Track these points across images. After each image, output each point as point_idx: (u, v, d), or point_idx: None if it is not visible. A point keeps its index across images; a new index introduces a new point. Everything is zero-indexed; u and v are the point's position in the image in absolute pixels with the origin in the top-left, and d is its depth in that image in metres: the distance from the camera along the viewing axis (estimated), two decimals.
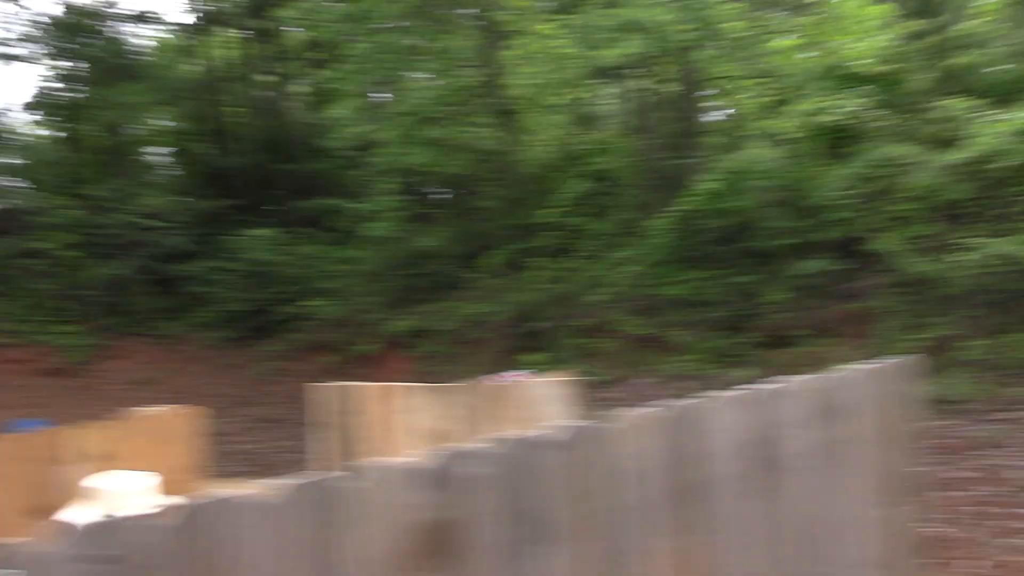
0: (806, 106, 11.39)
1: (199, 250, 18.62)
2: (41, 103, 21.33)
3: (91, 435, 4.16)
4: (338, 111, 19.16)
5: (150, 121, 23.40)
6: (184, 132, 23.50)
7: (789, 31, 13.22)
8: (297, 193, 19.94)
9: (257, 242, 16.76)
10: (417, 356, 12.57)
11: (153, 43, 22.34)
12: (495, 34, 13.44)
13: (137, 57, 21.07)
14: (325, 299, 15.37)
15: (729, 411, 1.72)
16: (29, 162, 21.09)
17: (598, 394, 8.32)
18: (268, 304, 16.62)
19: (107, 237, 17.90)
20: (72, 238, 17.65)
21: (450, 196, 14.51)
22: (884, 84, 11.36)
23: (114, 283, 17.51)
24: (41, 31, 19.70)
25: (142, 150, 23.61)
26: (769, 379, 1.99)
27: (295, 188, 19.95)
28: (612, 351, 9.19)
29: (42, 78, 23.78)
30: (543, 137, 14.65)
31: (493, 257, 11.67)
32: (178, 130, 23.49)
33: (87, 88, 20.01)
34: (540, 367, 9.22)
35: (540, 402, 5.17)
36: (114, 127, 21.44)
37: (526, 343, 9.96)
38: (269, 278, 16.85)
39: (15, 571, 0.85)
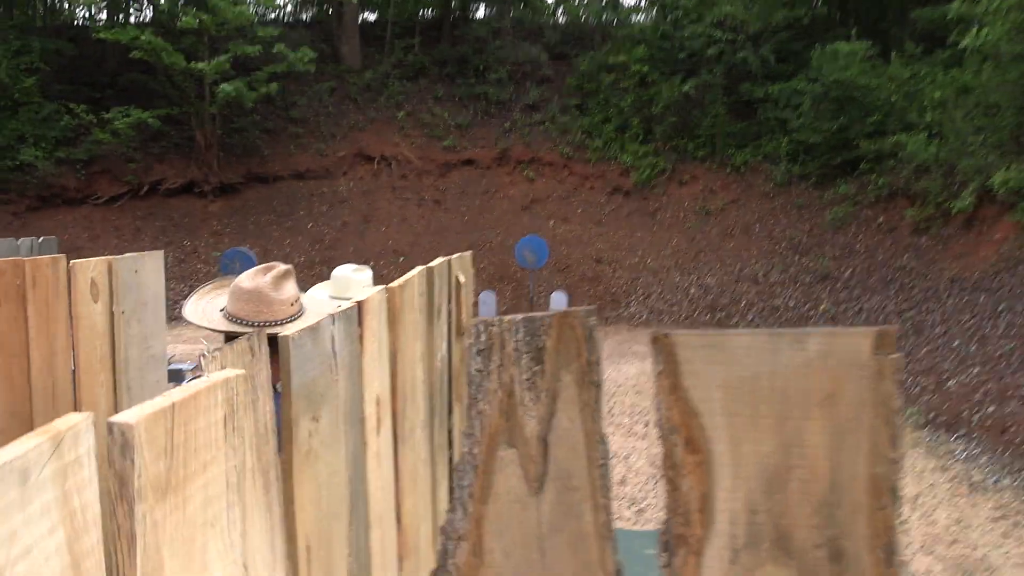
0: None
1: (779, 69, 19.13)
2: None
3: None
4: None
5: None
6: None
7: None
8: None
9: (846, 59, 16.35)
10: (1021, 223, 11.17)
11: None
12: None
13: None
14: (919, 135, 14.20)
15: None
16: None
17: None
18: (850, 137, 16.18)
19: (682, 51, 19.18)
20: (645, 52, 19.05)
21: None
22: None
23: (685, 102, 19.47)
24: None
25: None
26: None
27: None
28: None
29: None
30: None
31: None
32: None
33: None
34: None
35: None
36: None
37: None
38: (856, 104, 16.24)
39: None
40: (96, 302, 2.31)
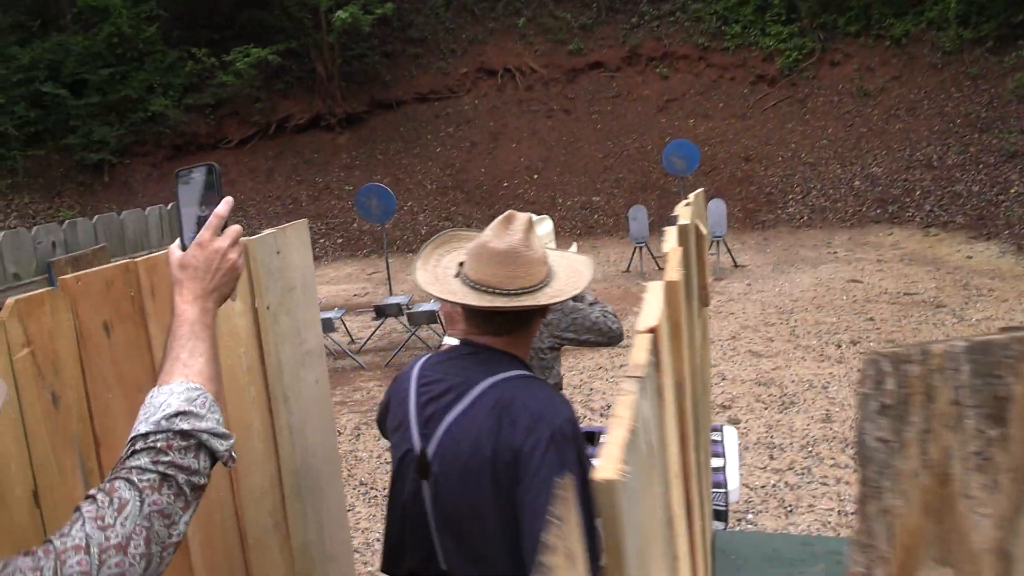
0: None
1: None
2: None
3: None
4: None
5: None
6: None
7: None
8: None
9: None
10: None
11: None
12: None
13: None
14: None
15: None
16: None
17: None
18: None
19: None
20: None
21: None
22: None
23: None
24: None
25: None
26: None
27: None
28: None
29: None
30: None
31: None
32: None
33: None
34: None
35: None
36: None
37: None
38: None
39: None
40: (234, 300, 1.83)
